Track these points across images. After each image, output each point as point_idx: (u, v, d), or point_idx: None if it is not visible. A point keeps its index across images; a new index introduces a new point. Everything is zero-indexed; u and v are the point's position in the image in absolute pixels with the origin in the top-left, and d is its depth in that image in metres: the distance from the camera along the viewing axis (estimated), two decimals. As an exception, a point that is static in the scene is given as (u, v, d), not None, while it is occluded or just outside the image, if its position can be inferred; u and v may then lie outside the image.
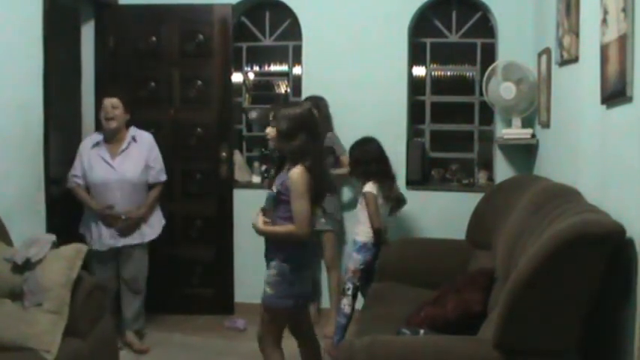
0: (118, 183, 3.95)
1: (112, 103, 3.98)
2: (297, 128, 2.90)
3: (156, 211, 4.19)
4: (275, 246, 2.97)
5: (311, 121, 2.98)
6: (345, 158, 4.30)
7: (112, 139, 4.02)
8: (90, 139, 4.11)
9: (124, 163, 3.98)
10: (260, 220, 2.97)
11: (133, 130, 4.10)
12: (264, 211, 3.00)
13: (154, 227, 4.15)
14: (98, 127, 4.34)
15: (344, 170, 4.33)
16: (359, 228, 3.96)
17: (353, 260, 3.92)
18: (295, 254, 2.94)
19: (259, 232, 2.98)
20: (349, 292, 3.88)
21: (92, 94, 4.71)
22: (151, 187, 4.12)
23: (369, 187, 3.88)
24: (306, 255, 3.02)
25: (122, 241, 3.99)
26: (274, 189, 2.96)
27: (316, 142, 3.00)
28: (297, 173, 2.84)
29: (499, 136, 4.41)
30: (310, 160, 2.86)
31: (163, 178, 4.16)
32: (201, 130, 4.69)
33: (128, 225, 3.98)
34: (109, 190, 3.95)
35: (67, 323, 2.86)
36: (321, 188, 2.99)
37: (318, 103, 4.38)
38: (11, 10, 3.59)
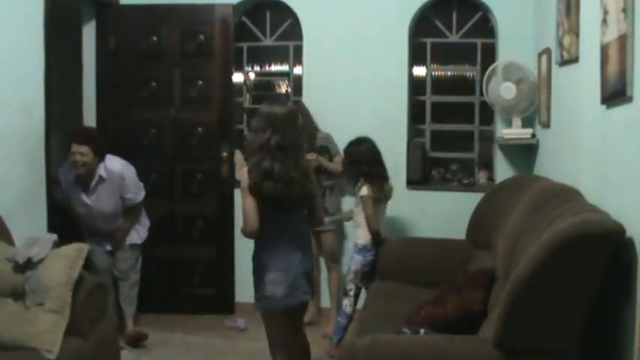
0: (95, 215, 4.02)
1: (80, 151, 3.82)
2: (253, 127, 2.94)
3: (142, 219, 4.26)
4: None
5: (269, 122, 2.89)
6: (339, 158, 4.32)
7: (83, 176, 3.95)
8: (65, 171, 4.00)
9: (98, 200, 3.98)
10: None
11: (102, 167, 3.93)
12: None
13: (139, 232, 4.23)
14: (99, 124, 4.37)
15: (333, 166, 4.34)
16: (358, 231, 3.96)
17: (354, 261, 3.92)
18: (257, 255, 2.97)
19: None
20: (351, 293, 3.88)
21: (93, 94, 4.72)
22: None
23: (365, 191, 3.88)
24: (269, 257, 2.91)
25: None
26: None
27: (277, 145, 2.86)
28: (243, 172, 2.91)
29: (499, 136, 4.41)
30: (257, 161, 2.84)
31: (140, 198, 4.13)
32: (202, 130, 4.69)
33: (116, 242, 4.12)
34: (90, 220, 4.05)
35: (68, 323, 2.86)
36: (277, 194, 2.85)
37: (299, 106, 4.40)
38: (12, 10, 3.59)
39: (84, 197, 3.96)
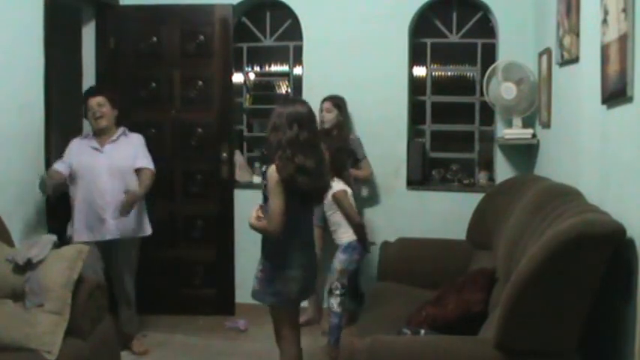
0: (105, 168, 3.82)
1: (97, 101, 3.87)
2: (273, 126, 2.91)
3: (145, 212, 4.07)
4: (263, 242, 3.01)
5: (294, 119, 2.88)
6: (365, 162, 4.34)
7: (102, 135, 3.92)
8: (78, 140, 3.98)
9: (113, 151, 3.89)
10: (253, 215, 2.95)
11: (123, 129, 3.99)
12: (261, 207, 2.98)
13: (146, 225, 4.05)
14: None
15: (360, 173, 4.34)
16: (339, 231, 3.87)
17: (338, 260, 3.85)
18: (276, 252, 2.94)
19: (250, 226, 2.97)
20: (337, 292, 3.82)
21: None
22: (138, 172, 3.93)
23: (336, 185, 3.75)
24: (289, 254, 2.92)
25: (119, 233, 3.88)
26: (263, 184, 2.98)
27: (305, 140, 2.88)
28: (271, 170, 2.87)
29: (500, 136, 4.41)
30: (284, 158, 2.82)
31: (152, 166, 3.96)
32: (201, 131, 4.69)
33: (124, 205, 3.74)
34: (97, 176, 3.80)
35: (68, 324, 2.86)
36: (310, 188, 2.89)
37: (339, 103, 4.38)
38: (12, 11, 3.60)
39: (98, 146, 3.87)
